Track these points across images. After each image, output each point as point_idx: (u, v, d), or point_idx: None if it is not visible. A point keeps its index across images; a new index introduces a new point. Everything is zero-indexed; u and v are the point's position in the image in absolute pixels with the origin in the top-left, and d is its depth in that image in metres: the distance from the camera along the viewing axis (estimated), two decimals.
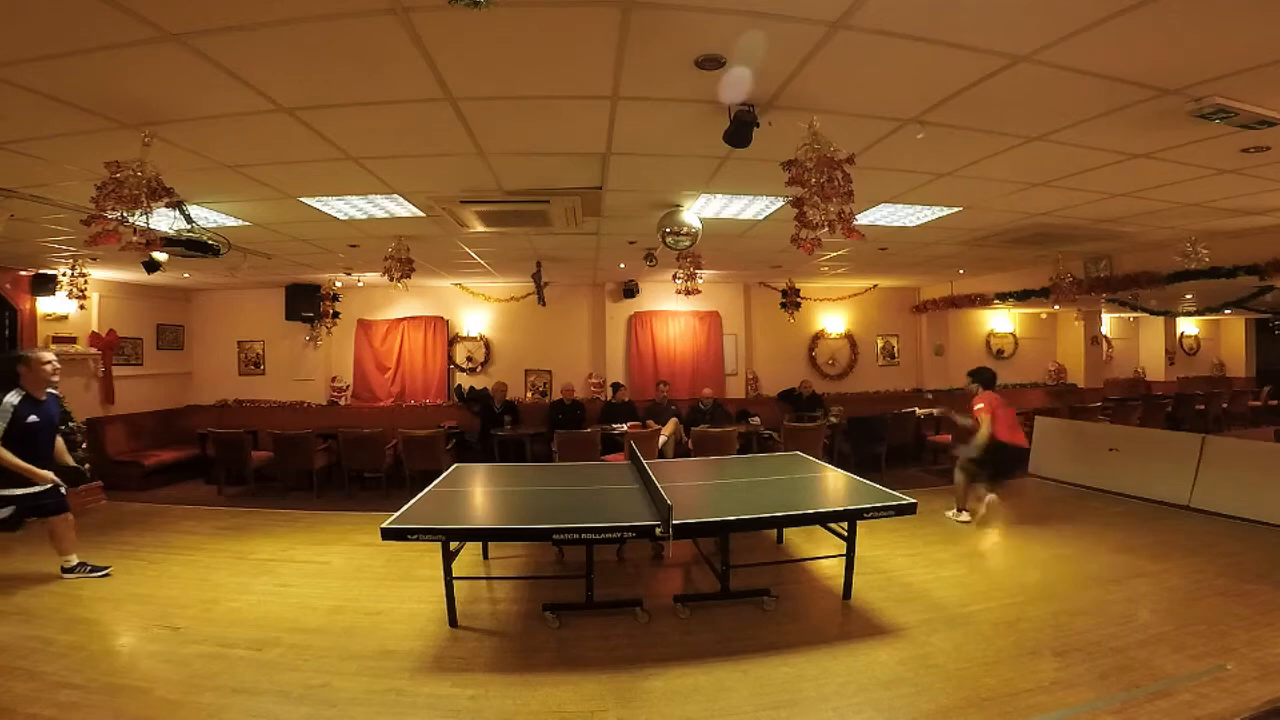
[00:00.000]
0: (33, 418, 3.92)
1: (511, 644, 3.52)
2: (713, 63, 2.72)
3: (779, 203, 4.95)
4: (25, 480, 3.90)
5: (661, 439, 6.97)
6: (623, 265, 8.33)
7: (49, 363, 4.06)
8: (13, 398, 3.94)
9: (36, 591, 4.28)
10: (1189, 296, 8.78)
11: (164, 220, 4.27)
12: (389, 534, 3.41)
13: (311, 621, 3.80)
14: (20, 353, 4.07)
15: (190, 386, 9.71)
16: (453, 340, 10.02)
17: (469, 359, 10.02)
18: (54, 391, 4.23)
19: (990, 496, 5.69)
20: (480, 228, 5.65)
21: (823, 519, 4.08)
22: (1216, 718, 2.65)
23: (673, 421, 7.47)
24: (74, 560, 4.41)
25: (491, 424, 8.15)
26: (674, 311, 9.97)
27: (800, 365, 10.61)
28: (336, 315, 9.69)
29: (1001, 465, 5.64)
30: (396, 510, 3.71)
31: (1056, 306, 9.98)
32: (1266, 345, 14.97)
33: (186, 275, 8.06)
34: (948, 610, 3.84)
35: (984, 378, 5.88)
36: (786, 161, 3.20)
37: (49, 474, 3.98)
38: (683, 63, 2.73)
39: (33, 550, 5.23)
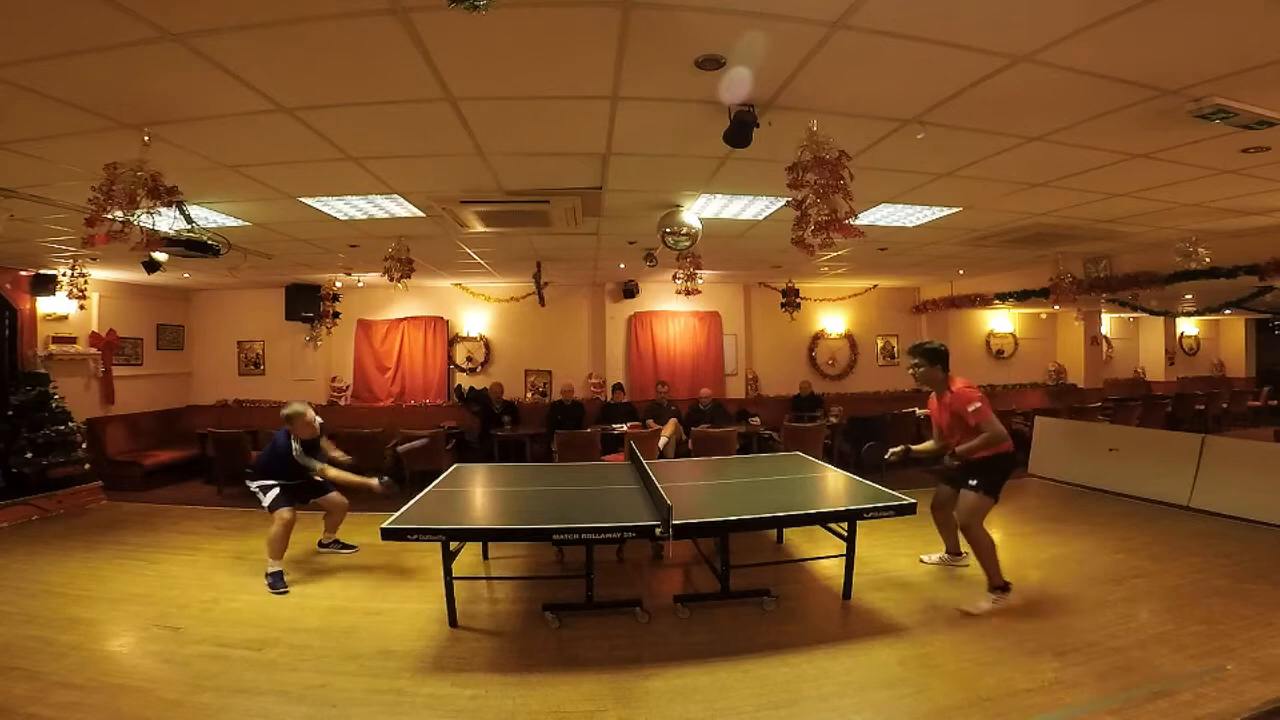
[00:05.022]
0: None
1: (511, 644, 3.52)
2: (713, 63, 2.72)
3: (779, 203, 4.95)
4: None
5: (662, 439, 6.96)
6: (623, 265, 8.33)
7: (312, 422, 4.78)
8: (295, 444, 4.66)
9: (36, 592, 4.29)
10: (1189, 296, 8.79)
11: (164, 220, 4.28)
12: (389, 534, 3.40)
13: (311, 621, 3.80)
14: (289, 412, 4.71)
15: (190, 386, 9.70)
16: (453, 340, 10.02)
17: (469, 359, 10.02)
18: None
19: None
20: (480, 228, 5.65)
21: (823, 519, 4.07)
22: (1216, 718, 2.65)
23: (672, 422, 7.46)
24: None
25: (491, 424, 8.15)
26: (674, 312, 9.97)
27: (800, 365, 10.61)
28: (336, 315, 9.69)
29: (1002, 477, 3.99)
30: (397, 510, 3.71)
31: (1056, 306, 9.97)
32: (1266, 345, 14.98)
33: (186, 275, 8.06)
34: (948, 610, 3.83)
35: (942, 356, 4.05)
36: (790, 166, 3.21)
37: (374, 481, 4.54)
38: (683, 63, 2.73)
39: (33, 550, 5.24)
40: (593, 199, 4.85)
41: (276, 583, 4.34)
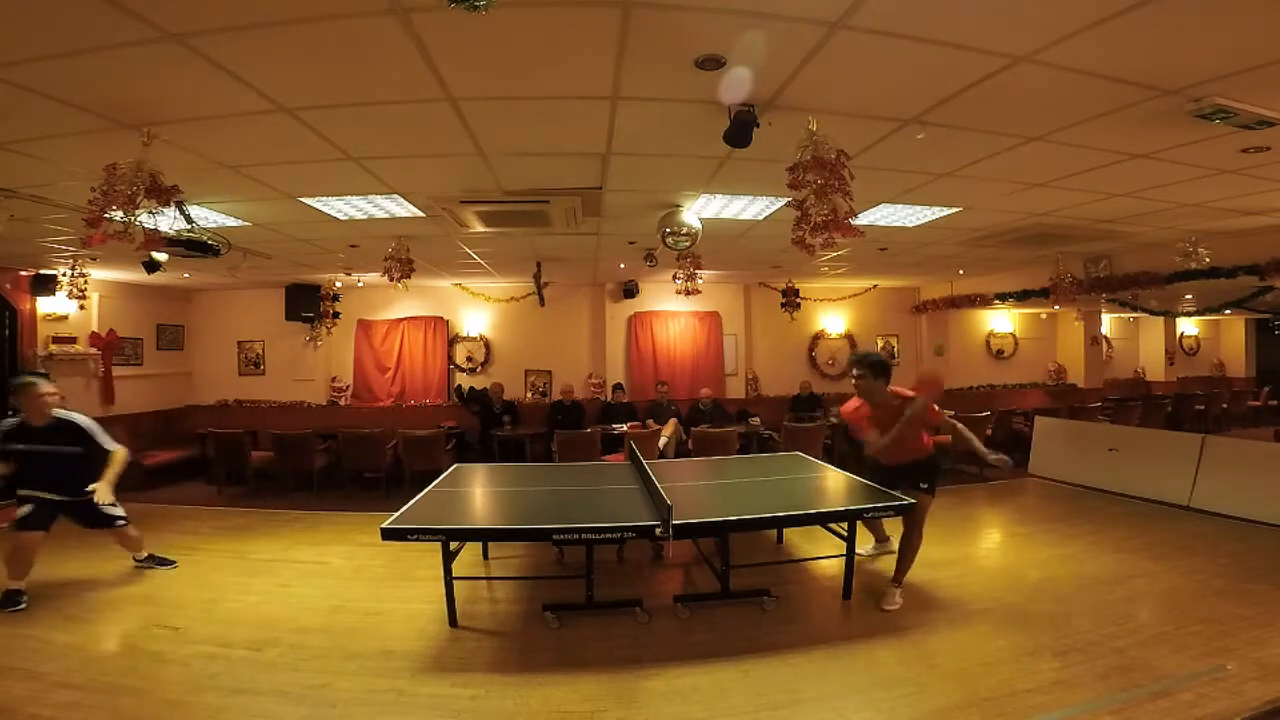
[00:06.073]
0: (19, 445, 4.05)
1: (511, 644, 3.52)
2: (713, 63, 2.72)
3: (779, 203, 4.95)
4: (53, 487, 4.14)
5: (662, 440, 6.96)
6: (623, 265, 8.33)
7: (46, 401, 4.07)
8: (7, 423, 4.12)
9: (36, 592, 4.28)
10: (1189, 296, 8.78)
11: (164, 220, 4.28)
12: (389, 534, 3.40)
13: (311, 621, 3.80)
14: (17, 379, 4.15)
15: (190, 386, 9.70)
16: (453, 340, 10.01)
17: (469, 359, 10.02)
18: (64, 415, 4.20)
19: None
20: (480, 228, 5.65)
21: (823, 519, 4.07)
22: (1216, 718, 2.65)
23: (672, 422, 7.47)
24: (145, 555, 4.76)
25: (491, 424, 8.15)
26: (674, 312, 9.97)
27: (800, 365, 10.61)
28: (336, 315, 9.69)
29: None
30: (396, 510, 3.71)
31: (1056, 306, 9.97)
32: (1266, 345, 14.96)
33: (186, 275, 8.06)
34: (948, 610, 3.84)
35: (886, 369, 4.00)
36: (790, 166, 3.21)
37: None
38: (683, 63, 2.73)
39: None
40: (593, 199, 4.85)
41: (7, 601, 3.89)
